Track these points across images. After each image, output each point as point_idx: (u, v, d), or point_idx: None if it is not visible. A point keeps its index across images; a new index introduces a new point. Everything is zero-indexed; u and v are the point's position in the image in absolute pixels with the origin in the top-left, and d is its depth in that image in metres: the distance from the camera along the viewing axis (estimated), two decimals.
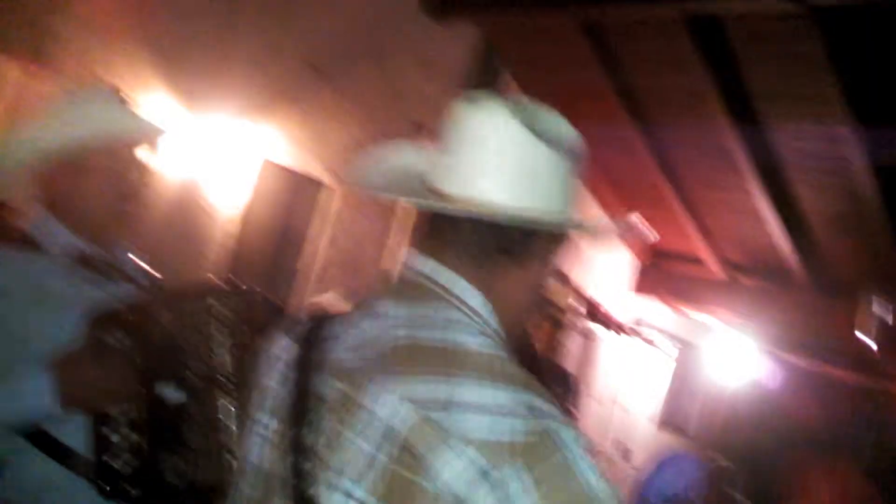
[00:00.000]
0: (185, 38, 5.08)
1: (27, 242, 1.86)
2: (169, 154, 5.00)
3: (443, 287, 1.17)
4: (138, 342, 1.71)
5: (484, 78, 6.86)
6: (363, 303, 1.24)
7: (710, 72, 5.99)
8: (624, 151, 7.46)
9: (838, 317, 7.14)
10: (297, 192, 6.09)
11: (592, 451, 1.03)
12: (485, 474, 0.96)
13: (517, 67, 7.17)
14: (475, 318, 1.16)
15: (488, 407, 1.00)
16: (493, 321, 1.18)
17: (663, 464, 4.47)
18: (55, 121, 1.89)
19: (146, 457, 1.71)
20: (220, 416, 1.77)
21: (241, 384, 1.75)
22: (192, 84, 5.11)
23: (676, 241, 8.71)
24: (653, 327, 9.41)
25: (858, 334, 6.77)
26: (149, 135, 2.02)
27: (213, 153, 5.31)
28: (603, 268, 8.84)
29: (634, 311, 9.41)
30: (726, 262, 8.67)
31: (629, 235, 1.35)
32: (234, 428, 1.76)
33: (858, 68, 5.47)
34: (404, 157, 1.37)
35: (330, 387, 1.13)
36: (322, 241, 6.22)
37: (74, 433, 1.70)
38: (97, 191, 1.89)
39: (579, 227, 1.25)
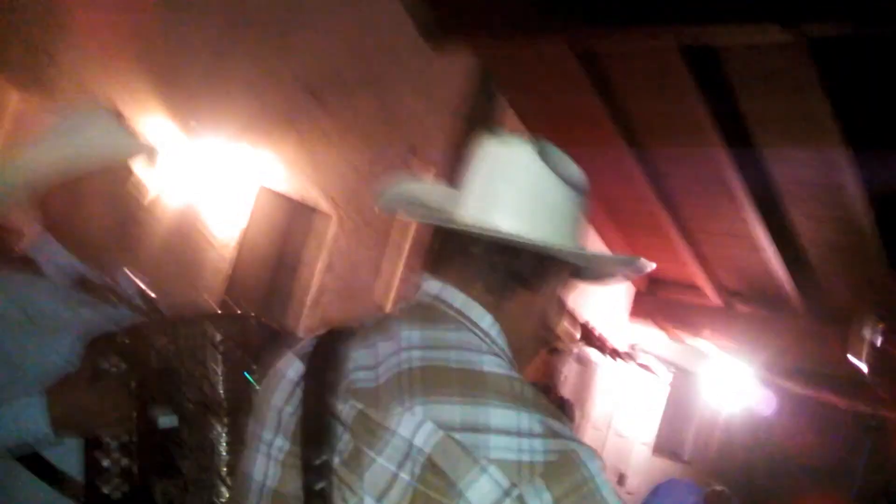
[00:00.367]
0: (184, 64, 5.12)
1: (26, 264, 1.86)
2: (167, 177, 5.01)
3: (456, 310, 1.20)
4: (133, 366, 1.70)
5: (481, 105, 6.91)
6: (374, 323, 1.25)
7: (705, 99, 6.04)
8: (621, 178, 7.50)
9: (832, 342, 7.15)
10: (294, 217, 6.10)
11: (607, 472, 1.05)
12: (507, 493, 0.98)
13: (514, 94, 7.22)
14: (486, 339, 1.19)
15: (509, 428, 1.02)
16: (502, 341, 1.21)
17: (659, 489, 4.46)
18: (54, 142, 1.88)
19: (137, 482, 1.69)
20: (213, 442, 1.75)
21: (235, 410, 1.73)
22: (190, 109, 5.14)
23: (673, 268, 8.73)
24: (648, 353, 9.41)
25: (850, 358, 6.78)
26: (147, 155, 2.02)
27: (210, 177, 5.33)
28: (599, 294, 8.84)
29: (630, 337, 9.42)
30: (722, 289, 8.69)
31: (636, 274, 1.39)
32: (225, 454, 1.74)
33: (852, 96, 5.53)
34: (425, 187, 1.41)
35: (346, 405, 1.13)
36: (318, 266, 6.23)
37: (67, 457, 1.69)
38: (96, 212, 1.89)
39: (593, 260, 1.30)
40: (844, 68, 5.36)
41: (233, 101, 5.39)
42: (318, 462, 1.11)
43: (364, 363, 1.17)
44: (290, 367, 1.27)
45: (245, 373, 1.72)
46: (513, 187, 1.22)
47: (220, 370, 1.75)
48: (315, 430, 1.15)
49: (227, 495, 1.69)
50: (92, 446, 1.68)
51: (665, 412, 10.12)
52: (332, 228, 6.26)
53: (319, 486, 1.10)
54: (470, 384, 1.07)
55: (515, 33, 6.18)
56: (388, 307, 6.37)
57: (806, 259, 7.43)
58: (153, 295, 2.08)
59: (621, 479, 9.30)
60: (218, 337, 1.75)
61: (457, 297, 1.21)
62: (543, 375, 7.02)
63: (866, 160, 5.93)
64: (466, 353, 1.13)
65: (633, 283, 9.46)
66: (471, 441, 1.01)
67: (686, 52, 5.74)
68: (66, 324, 1.75)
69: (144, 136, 2.00)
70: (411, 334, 1.17)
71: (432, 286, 1.24)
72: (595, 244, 8.16)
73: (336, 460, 1.10)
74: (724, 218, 7.45)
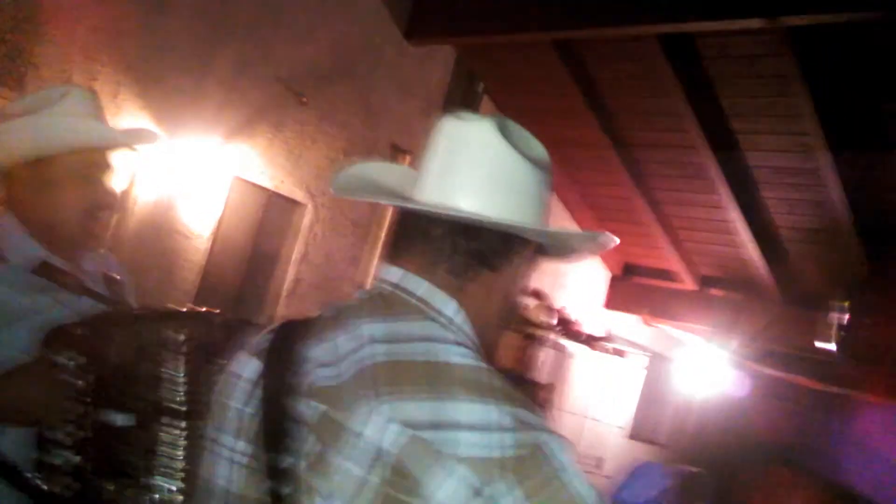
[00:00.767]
0: (163, 62, 5.10)
1: None
2: (143, 170, 4.99)
3: (419, 298, 1.16)
4: (90, 361, 1.62)
5: (462, 99, 6.92)
6: (331, 315, 1.20)
7: (684, 89, 6.07)
8: (598, 167, 7.53)
9: (805, 327, 7.22)
10: (270, 208, 6.08)
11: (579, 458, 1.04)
12: (477, 492, 0.96)
13: (494, 88, 7.25)
14: (451, 328, 1.15)
15: (477, 423, 1.00)
16: (468, 328, 1.17)
17: (634, 473, 4.49)
18: (26, 126, 1.82)
19: (87, 481, 1.63)
20: (169, 445, 1.67)
21: (195, 413, 1.65)
22: (169, 105, 5.12)
23: (648, 255, 8.79)
24: (623, 339, 9.47)
25: (820, 343, 6.86)
26: (121, 143, 1.96)
27: (187, 171, 5.31)
28: (574, 281, 8.89)
29: (606, 324, 9.47)
30: (698, 275, 8.75)
31: (600, 250, 1.34)
32: (181, 458, 1.67)
33: (830, 85, 5.57)
34: (383, 168, 1.36)
35: (308, 407, 1.09)
36: (293, 256, 6.22)
37: (18, 451, 1.64)
38: (67, 200, 1.83)
39: (557, 237, 1.26)
40: (822, 57, 5.40)
41: (212, 97, 5.38)
42: (283, 466, 1.08)
43: (324, 359, 1.13)
44: (247, 367, 1.22)
45: (208, 375, 1.63)
46: (473, 165, 1.18)
47: (181, 372, 1.67)
48: (277, 432, 1.11)
49: (181, 499, 1.63)
50: (43, 442, 1.62)
51: (641, 397, 10.19)
52: (307, 219, 6.25)
53: (286, 491, 1.07)
54: (437, 379, 1.04)
55: (494, 26, 6.17)
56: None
57: (781, 244, 7.49)
58: (119, 277, 2.01)
59: (599, 464, 9.37)
60: (181, 338, 1.67)
61: (419, 285, 1.17)
62: (519, 363, 7.06)
63: (842, 147, 5.98)
64: (432, 345, 1.09)
65: (609, 268, 9.51)
66: (440, 439, 0.99)
67: (665, 44, 5.77)
68: (25, 313, 1.70)
69: (121, 124, 1.94)
70: (373, 327, 1.13)
71: (392, 274, 1.20)
72: (570, 228, 8.18)
73: (302, 464, 1.07)
74: (699, 204, 7.50)
